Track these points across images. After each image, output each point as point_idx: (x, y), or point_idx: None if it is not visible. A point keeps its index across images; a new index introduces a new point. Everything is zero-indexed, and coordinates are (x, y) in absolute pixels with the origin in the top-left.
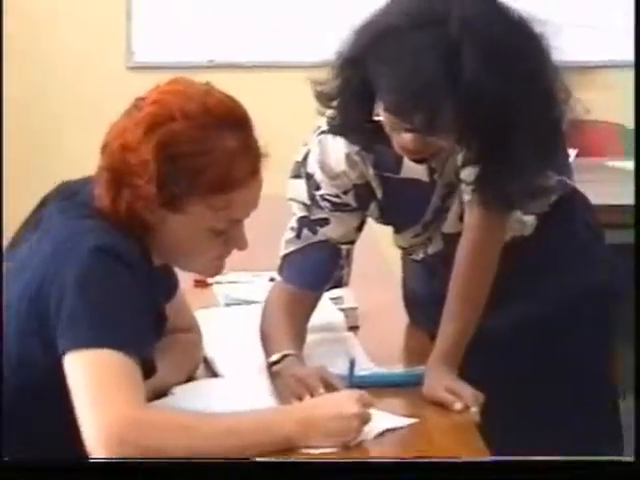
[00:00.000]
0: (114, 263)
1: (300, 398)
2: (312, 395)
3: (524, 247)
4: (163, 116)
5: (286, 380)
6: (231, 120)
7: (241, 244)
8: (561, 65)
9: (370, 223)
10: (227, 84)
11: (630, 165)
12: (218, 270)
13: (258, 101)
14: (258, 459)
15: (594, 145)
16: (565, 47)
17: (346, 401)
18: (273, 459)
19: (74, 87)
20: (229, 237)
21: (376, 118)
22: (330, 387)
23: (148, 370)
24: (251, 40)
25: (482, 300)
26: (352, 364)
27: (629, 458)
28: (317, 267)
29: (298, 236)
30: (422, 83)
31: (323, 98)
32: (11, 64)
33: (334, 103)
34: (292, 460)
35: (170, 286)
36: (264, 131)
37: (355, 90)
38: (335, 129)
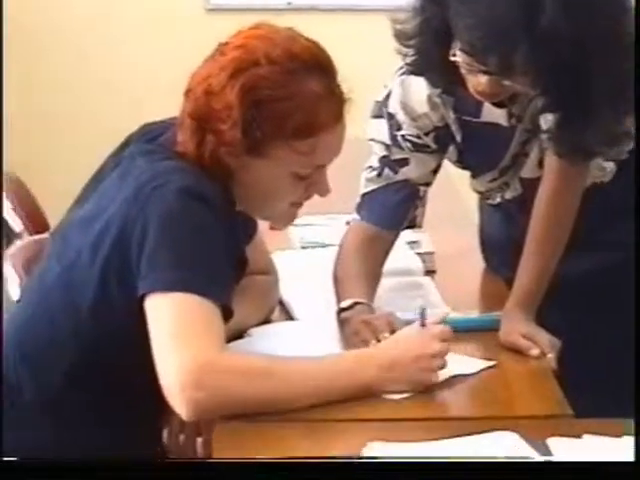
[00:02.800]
0: (199, 205)
1: (366, 342)
2: (378, 339)
3: (603, 193)
4: (248, 61)
5: (354, 326)
6: (316, 65)
7: (323, 190)
8: None
9: (447, 166)
10: (304, 27)
11: None
12: (292, 219)
13: (336, 44)
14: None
15: None
16: None
17: (426, 340)
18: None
19: (151, 30)
20: (311, 183)
21: (452, 59)
22: (395, 332)
23: (226, 314)
24: None
25: (561, 246)
26: (423, 313)
27: (629, 458)
28: (397, 206)
29: (379, 175)
30: (499, 24)
31: (402, 37)
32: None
33: (413, 42)
34: (292, 460)
35: (250, 228)
36: (342, 73)
37: (434, 29)
38: (413, 69)
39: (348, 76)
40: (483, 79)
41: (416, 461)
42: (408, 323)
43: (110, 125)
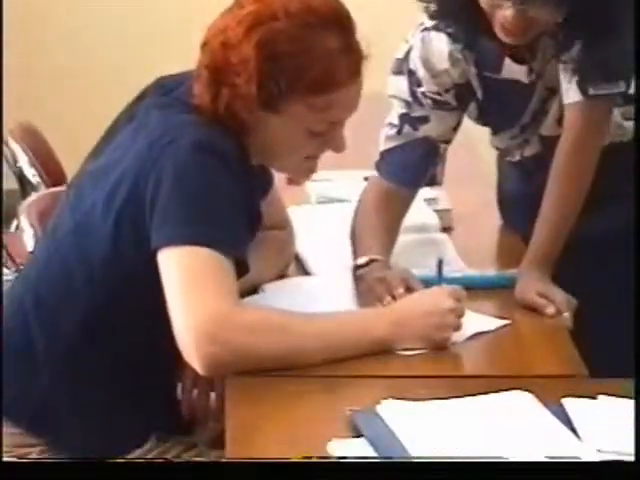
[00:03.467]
0: (213, 159)
1: (381, 299)
2: (393, 296)
3: (623, 154)
4: (265, 14)
5: (368, 283)
6: (333, 20)
7: (339, 146)
8: None
9: (465, 124)
10: None
11: None
12: (311, 172)
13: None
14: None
15: None
16: None
17: (439, 296)
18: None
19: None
20: (327, 139)
21: None
22: (411, 289)
23: (241, 269)
24: None
25: (578, 203)
26: (440, 264)
27: (629, 458)
28: (417, 163)
29: (399, 132)
30: None
31: None
32: None
33: None
34: (290, 460)
35: (266, 183)
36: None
37: None
38: (435, 15)
39: (368, 30)
40: (508, 12)
41: (416, 461)
42: (423, 280)
43: (129, 76)
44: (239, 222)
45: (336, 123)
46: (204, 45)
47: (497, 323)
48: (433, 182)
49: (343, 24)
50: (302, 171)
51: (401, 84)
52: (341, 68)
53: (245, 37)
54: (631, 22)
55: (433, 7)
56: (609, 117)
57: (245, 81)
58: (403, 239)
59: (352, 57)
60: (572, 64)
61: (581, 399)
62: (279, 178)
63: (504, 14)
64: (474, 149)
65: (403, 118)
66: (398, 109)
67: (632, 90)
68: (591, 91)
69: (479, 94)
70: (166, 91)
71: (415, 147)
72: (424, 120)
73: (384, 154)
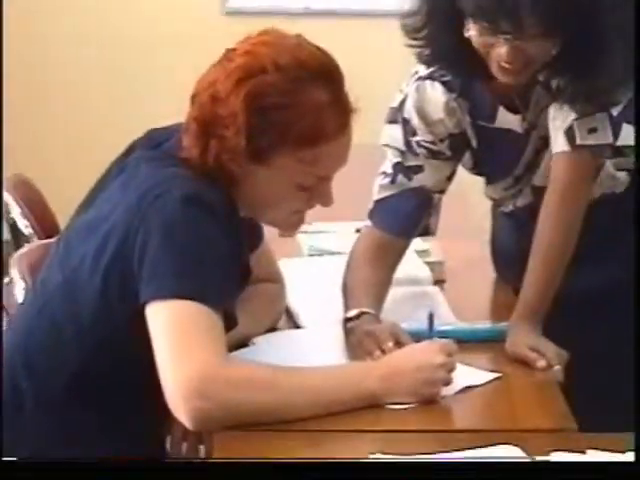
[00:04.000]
0: (202, 212)
1: (370, 353)
2: (382, 350)
3: (615, 206)
4: (254, 67)
5: (358, 337)
6: (322, 73)
7: (326, 201)
8: None
9: (459, 175)
10: (321, 31)
11: None
12: (298, 225)
13: (352, 49)
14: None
15: None
16: None
17: (429, 352)
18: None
19: (169, 34)
20: (315, 193)
21: (467, 34)
22: (400, 344)
23: (230, 322)
24: None
25: (566, 255)
26: (431, 318)
27: (629, 458)
28: (410, 213)
29: (393, 181)
30: None
31: (411, 31)
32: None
33: (423, 34)
34: (289, 460)
35: (256, 236)
36: (357, 78)
37: (442, 14)
38: (427, 59)
39: (362, 81)
40: (503, 50)
41: (415, 461)
42: (414, 333)
43: (125, 128)
44: (227, 275)
45: (324, 178)
46: (193, 97)
47: (487, 377)
48: (426, 232)
49: (332, 78)
50: (290, 224)
51: (395, 133)
52: (330, 122)
53: (234, 90)
54: (624, 56)
55: (426, 52)
56: (595, 169)
57: (234, 134)
58: (394, 292)
59: (340, 111)
60: (561, 93)
61: (570, 453)
62: (271, 230)
63: (499, 52)
64: (467, 200)
65: (397, 167)
66: (392, 158)
67: (621, 142)
68: (578, 141)
69: (474, 143)
70: (155, 144)
71: (409, 197)
72: (418, 170)
73: (377, 203)
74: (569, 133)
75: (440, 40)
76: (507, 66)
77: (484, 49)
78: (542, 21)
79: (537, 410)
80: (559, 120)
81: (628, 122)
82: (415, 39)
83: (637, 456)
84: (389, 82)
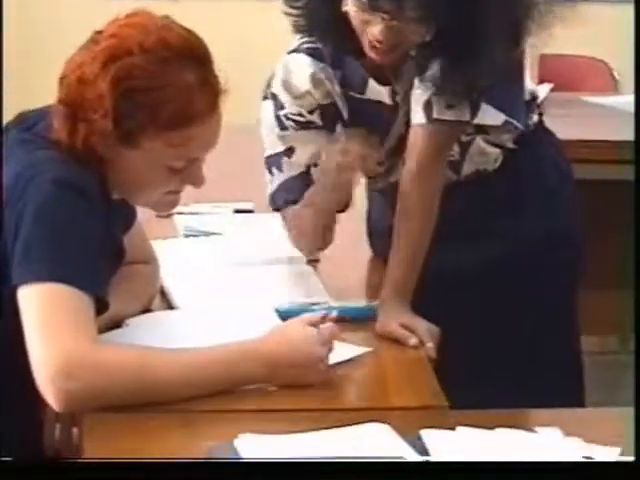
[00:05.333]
0: (72, 195)
1: None
2: None
3: (489, 183)
4: (121, 50)
5: None
6: (190, 55)
7: (197, 181)
8: None
9: None
10: (194, 13)
11: (606, 101)
12: (172, 205)
13: (224, 30)
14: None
15: (573, 80)
16: None
17: (315, 342)
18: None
19: (50, 13)
20: (186, 175)
21: (345, 8)
22: None
23: (101, 306)
24: None
25: (427, 228)
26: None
27: (629, 458)
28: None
29: (270, 173)
30: None
31: None
32: None
33: (301, 2)
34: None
35: (128, 217)
36: (235, 57)
37: None
38: (302, 28)
39: (248, 59)
40: (377, 28)
41: (411, 461)
42: (288, 312)
43: None
44: (99, 258)
45: (195, 159)
46: (61, 80)
47: (357, 351)
48: None
49: (200, 59)
50: (164, 204)
51: (267, 108)
52: (198, 103)
53: (100, 73)
54: (498, 48)
55: (302, 21)
56: (451, 144)
57: (101, 117)
58: (269, 270)
59: (209, 92)
60: (431, 83)
61: (439, 430)
62: (148, 211)
63: (373, 30)
64: None
65: (269, 161)
66: (265, 140)
67: (482, 121)
68: (435, 115)
69: (345, 114)
70: (27, 127)
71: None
72: (290, 153)
73: (273, 195)
74: (427, 106)
75: (317, 11)
76: (378, 45)
77: (359, 25)
78: (422, 5)
79: (408, 388)
80: (419, 93)
81: (489, 103)
82: (292, 7)
83: (637, 456)
84: (266, 64)
